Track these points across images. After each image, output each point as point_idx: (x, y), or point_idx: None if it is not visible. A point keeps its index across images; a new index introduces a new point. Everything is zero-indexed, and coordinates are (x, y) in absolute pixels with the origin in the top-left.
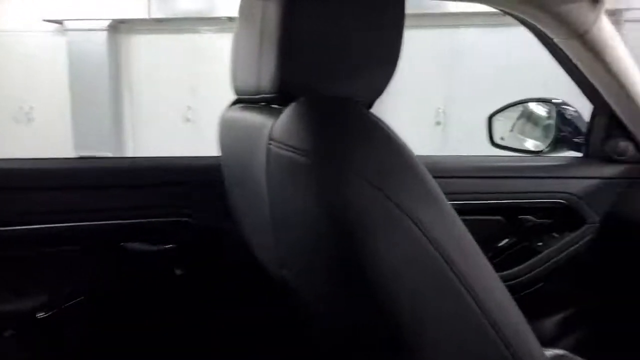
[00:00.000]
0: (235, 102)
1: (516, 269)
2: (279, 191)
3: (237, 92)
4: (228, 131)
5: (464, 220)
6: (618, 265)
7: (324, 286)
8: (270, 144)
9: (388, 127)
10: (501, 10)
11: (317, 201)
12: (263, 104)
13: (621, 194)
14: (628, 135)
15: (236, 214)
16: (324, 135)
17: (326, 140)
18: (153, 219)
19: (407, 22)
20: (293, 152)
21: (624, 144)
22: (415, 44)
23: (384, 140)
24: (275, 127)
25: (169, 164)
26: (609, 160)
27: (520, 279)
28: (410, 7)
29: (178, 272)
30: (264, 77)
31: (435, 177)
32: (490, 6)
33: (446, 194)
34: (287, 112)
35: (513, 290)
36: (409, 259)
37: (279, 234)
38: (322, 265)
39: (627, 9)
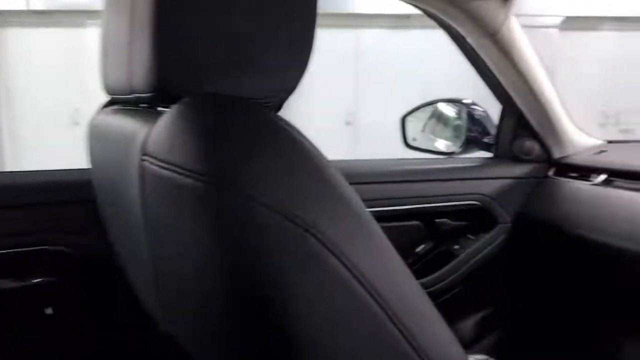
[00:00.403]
0: (108, 104)
1: (435, 274)
2: (158, 220)
3: (108, 91)
4: (97, 139)
5: (382, 228)
6: (530, 264)
7: (217, 337)
8: (144, 159)
9: (299, 133)
10: (415, 5)
11: (207, 235)
12: (144, 105)
13: (529, 193)
14: (534, 135)
15: (112, 239)
16: (215, 147)
17: (218, 155)
18: (15, 249)
19: None
20: (174, 171)
21: (530, 144)
22: (321, 43)
23: (294, 150)
24: (151, 137)
25: (33, 180)
26: (518, 160)
27: (440, 284)
28: None
29: (48, 311)
30: (137, 72)
31: (350, 183)
32: (404, 1)
33: (362, 201)
34: (166, 118)
35: (433, 296)
36: (321, 287)
37: (160, 272)
38: (215, 311)
39: (518, 15)
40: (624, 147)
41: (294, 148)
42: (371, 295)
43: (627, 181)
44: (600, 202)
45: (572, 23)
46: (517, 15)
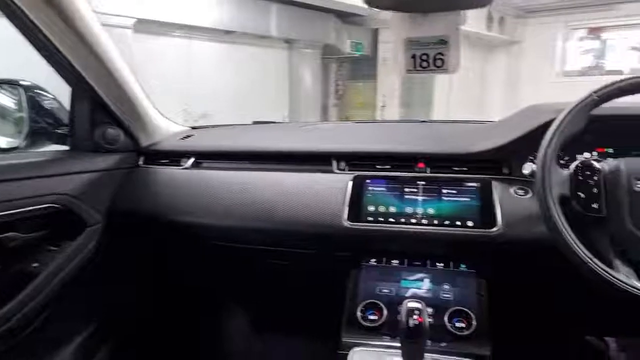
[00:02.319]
0: None
1: (10, 305)
2: None
3: None
4: None
5: None
6: (135, 261)
7: None
8: None
9: None
10: None
11: None
12: None
13: (120, 186)
14: (117, 122)
15: None
16: None
17: None
18: None
19: None
20: None
21: (113, 132)
22: None
23: None
24: None
25: None
26: (102, 150)
27: (20, 313)
28: None
29: None
30: None
31: None
32: None
33: None
34: None
35: (14, 331)
36: None
37: None
38: None
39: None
40: (207, 132)
41: None
42: None
43: (213, 161)
44: (192, 184)
45: (146, 26)
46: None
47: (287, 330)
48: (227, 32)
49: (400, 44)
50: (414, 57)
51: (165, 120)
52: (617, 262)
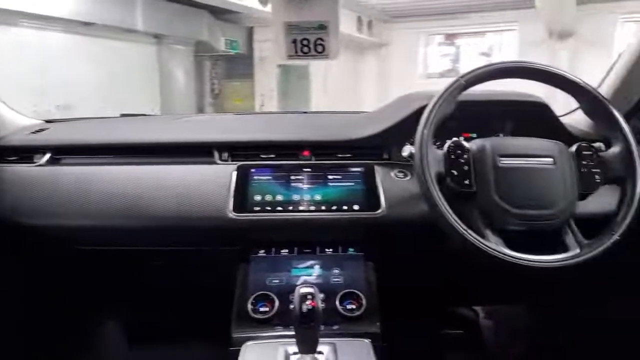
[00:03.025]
0: None
1: None
2: None
3: None
4: None
5: None
6: None
7: None
8: None
9: None
10: None
11: None
12: None
13: None
14: None
15: None
16: None
17: None
18: None
19: None
20: None
21: None
22: None
23: None
24: None
25: None
26: None
27: None
28: None
29: None
30: None
31: None
32: None
33: None
34: None
35: None
36: None
37: None
38: None
39: None
40: (65, 125)
41: None
42: None
43: (75, 157)
44: (47, 183)
45: None
46: None
47: (174, 335)
48: (86, 24)
49: (281, 28)
50: (294, 42)
51: (12, 112)
52: (488, 232)
